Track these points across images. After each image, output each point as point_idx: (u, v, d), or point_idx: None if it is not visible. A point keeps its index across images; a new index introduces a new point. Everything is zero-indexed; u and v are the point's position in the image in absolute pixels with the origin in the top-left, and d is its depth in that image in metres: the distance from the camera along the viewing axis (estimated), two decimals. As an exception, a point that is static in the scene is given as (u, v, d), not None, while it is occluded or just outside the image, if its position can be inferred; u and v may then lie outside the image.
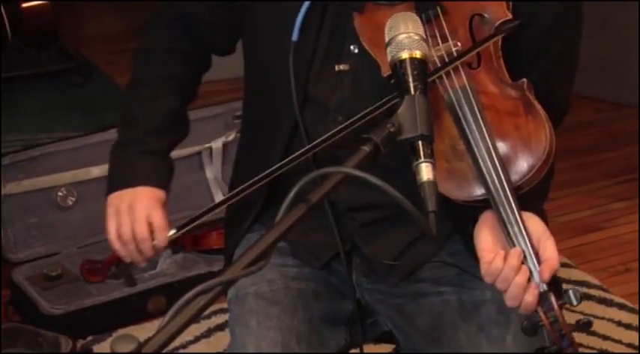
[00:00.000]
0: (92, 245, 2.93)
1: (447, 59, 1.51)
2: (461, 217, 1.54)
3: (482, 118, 1.47)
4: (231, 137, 3.10)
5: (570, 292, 1.41)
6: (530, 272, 1.42)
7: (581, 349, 1.42)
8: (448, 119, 1.50)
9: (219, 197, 3.10)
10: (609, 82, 3.94)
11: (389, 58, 1.40)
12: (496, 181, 1.44)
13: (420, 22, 1.43)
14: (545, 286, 1.41)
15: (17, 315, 2.76)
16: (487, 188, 1.45)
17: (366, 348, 1.77)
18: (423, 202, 1.26)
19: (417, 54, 1.38)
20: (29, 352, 2.60)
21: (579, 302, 1.41)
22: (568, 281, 2.87)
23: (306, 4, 1.60)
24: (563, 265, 2.94)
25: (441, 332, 1.64)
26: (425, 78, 1.38)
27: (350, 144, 1.33)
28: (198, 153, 3.10)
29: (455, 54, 1.51)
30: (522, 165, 1.46)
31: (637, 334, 2.72)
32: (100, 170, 2.93)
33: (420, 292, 1.68)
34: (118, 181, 1.73)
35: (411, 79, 1.36)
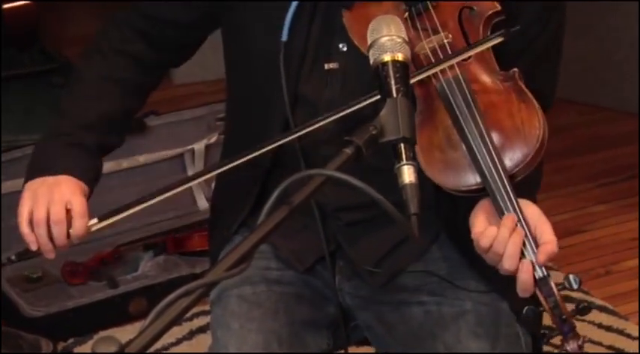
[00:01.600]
0: (73, 247, 2.91)
1: (438, 51, 1.51)
2: (454, 210, 1.54)
3: (475, 106, 1.47)
4: (213, 139, 3.10)
5: (570, 276, 1.41)
6: (526, 254, 1.42)
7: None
8: (441, 110, 1.50)
9: (201, 199, 3.10)
10: (590, 85, 3.96)
11: (371, 61, 1.41)
12: (491, 167, 1.44)
13: (402, 24, 1.44)
14: (544, 271, 1.41)
15: (-3, 317, 2.75)
16: (482, 175, 1.45)
17: (350, 349, 1.77)
18: (405, 205, 1.27)
19: (399, 57, 1.39)
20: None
21: (579, 287, 1.42)
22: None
23: (295, 3, 1.59)
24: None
25: (420, 343, 1.64)
26: (407, 80, 1.38)
27: (339, 141, 1.34)
28: (181, 155, 3.09)
29: (447, 46, 1.52)
30: (517, 153, 1.46)
31: (617, 336, 2.73)
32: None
33: (401, 301, 1.68)
34: (38, 168, 1.64)
35: (393, 82, 1.36)
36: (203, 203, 3.09)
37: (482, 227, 1.45)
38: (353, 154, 1.28)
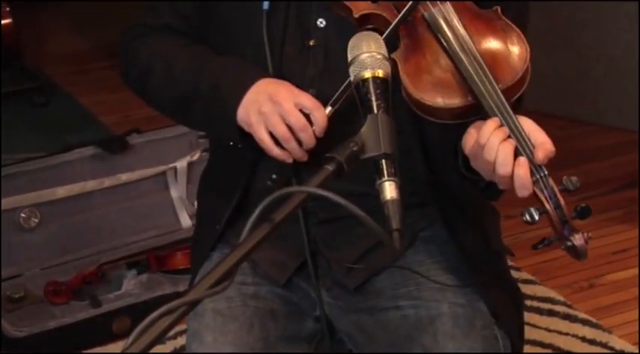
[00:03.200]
0: (56, 266, 2.92)
1: None
2: (447, 142, 1.56)
3: (464, 28, 1.51)
4: (195, 157, 3.11)
5: (569, 177, 1.44)
6: (523, 148, 1.44)
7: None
8: (428, 37, 1.52)
9: (184, 217, 3.10)
10: (569, 99, 3.98)
11: (351, 77, 1.41)
12: (485, 81, 1.46)
13: (382, 41, 1.45)
14: (545, 171, 1.43)
15: (-20, 338, 2.73)
16: (478, 90, 1.47)
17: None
18: (386, 221, 1.27)
19: (380, 73, 1.39)
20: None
21: (578, 186, 1.43)
22: (533, 297, 2.89)
23: None
24: (527, 281, 2.97)
25: (399, 347, 1.65)
26: (388, 97, 1.39)
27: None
28: (163, 173, 3.09)
29: None
30: (507, 72, 1.49)
31: (601, 349, 2.74)
32: (64, 191, 2.92)
33: (378, 306, 1.69)
34: (236, 90, 1.58)
35: (373, 98, 1.37)
36: (186, 221, 3.09)
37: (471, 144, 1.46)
38: (334, 170, 1.28)
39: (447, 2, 1.53)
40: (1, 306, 2.76)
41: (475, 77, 1.47)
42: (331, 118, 1.56)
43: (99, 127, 3.87)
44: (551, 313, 2.85)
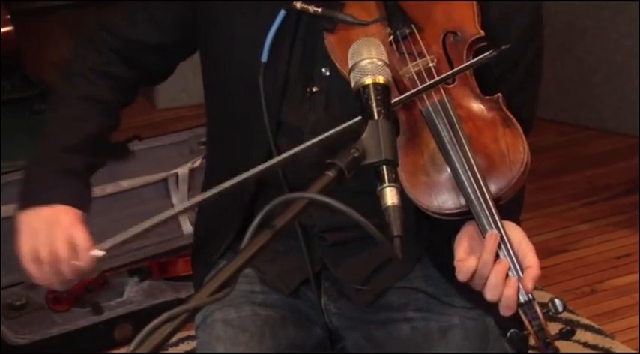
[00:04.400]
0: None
1: (424, 74, 1.52)
2: (435, 233, 1.55)
3: (460, 129, 1.48)
4: (197, 163, 3.10)
5: (555, 300, 1.43)
6: (510, 275, 1.42)
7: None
8: (426, 133, 1.51)
9: (186, 224, 3.10)
10: (571, 105, 3.98)
11: (352, 84, 1.41)
12: (477, 191, 1.45)
13: (382, 47, 1.44)
14: (529, 295, 1.42)
15: (-19, 345, 2.73)
16: (468, 198, 1.46)
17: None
18: (388, 227, 1.27)
19: (380, 79, 1.39)
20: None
21: (564, 309, 1.43)
22: (534, 303, 2.88)
23: (276, 23, 1.58)
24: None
25: None
26: (388, 103, 1.39)
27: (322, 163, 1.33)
28: (164, 180, 3.09)
29: (433, 69, 1.52)
30: (501, 177, 1.47)
31: (603, 354, 2.74)
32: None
33: (388, 318, 1.68)
34: (33, 197, 1.62)
35: (374, 105, 1.37)
36: (188, 228, 3.09)
37: (464, 255, 1.45)
38: (335, 176, 1.28)
39: (445, 98, 1.50)
40: (2, 313, 2.76)
41: (467, 187, 1.45)
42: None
43: (100, 134, 3.86)
44: (552, 319, 2.84)
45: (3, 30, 3.90)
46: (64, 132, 1.67)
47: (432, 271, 1.67)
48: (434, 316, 1.65)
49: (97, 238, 3.13)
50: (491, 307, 1.62)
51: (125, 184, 3.01)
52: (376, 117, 1.35)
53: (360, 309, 1.69)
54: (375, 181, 1.31)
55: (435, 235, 1.57)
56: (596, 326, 2.83)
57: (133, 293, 2.87)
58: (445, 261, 1.52)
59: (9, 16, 3.93)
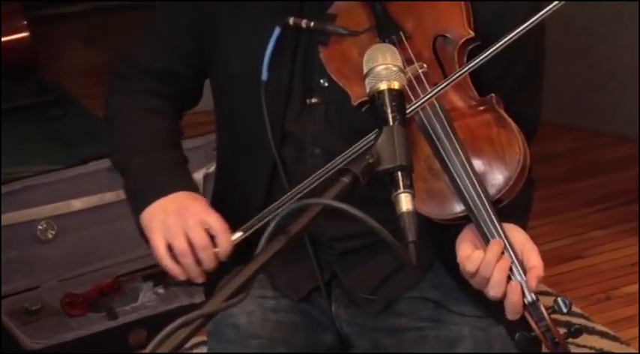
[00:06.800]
0: (72, 279, 2.92)
1: (413, 81, 1.52)
2: (444, 237, 1.55)
3: (454, 134, 1.48)
4: (211, 169, 3.10)
5: (559, 299, 1.42)
6: (513, 274, 1.42)
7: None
8: (421, 140, 1.51)
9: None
10: (586, 110, 3.97)
11: (367, 89, 1.41)
12: (474, 195, 1.45)
13: (397, 53, 1.44)
14: (533, 296, 1.42)
15: (-3, 350, 2.74)
16: (466, 203, 1.46)
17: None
18: (402, 233, 1.27)
19: (395, 85, 1.39)
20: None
21: (569, 310, 1.42)
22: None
23: (272, 41, 1.59)
24: (542, 293, 2.95)
25: None
26: (403, 109, 1.39)
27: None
28: (179, 185, 3.09)
29: (422, 76, 1.52)
30: (498, 178, 1.46)
31: (618, 361, 2.73)
32: (81, 203, 2.92)
33: (398, 327, 1.68)
34: (147, 196, 1.56)
35: (389, 110, 1.37)
36: (202, 233, 3.09)
37: (469, 251, 1.45)
38: (350, 183, 1.28)
39: (436, 105, 1.49)
40: (18, 318, 2.77)
41: (464, 192, 1.45)
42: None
43: (115, 140, 3.87)
44: (567, 326, 2.83)
45: (19, 36, 3.92)
46: (142, 139, 1.65)
47: (442, 280, 1.67)
48: (443, 325, 1.64)
49: (112, 245, 3.15)
50: (503, 316, 1.63)
51: (140, 189, 3.02)
52: (391, 123, 1.36)
53: (370, 317, 1.69)
54: (389, 188, 1.31)
55: (441, 237, 1.57)
56: (611, 333, 2.82)
57: (148, 298, 2.88)
58: (453, 263, 1.51)
59: (25, 22, 3.95)
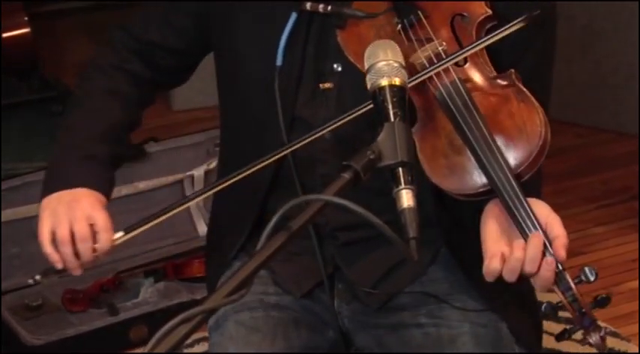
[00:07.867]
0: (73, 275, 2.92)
1: (434, 59, 1.53)
2: (459, 223, 1.55)
3: (475, 108, 1.48)
4: (212, 165, 3.11)
5: (586, 268, 1.42)
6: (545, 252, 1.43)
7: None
8: (442, 116, 1.51)
9: (201, 225, 3.10)
10: (588, 107, 3.97)
11: (368, 86, 1.41)
12: (497, 169, 1.45)
13: (398, 49, 1.44)
14: (560, 266, 1.42)
15: (-2, 346, 2.74)
16: (489, 177, 1.45)
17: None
18: (403, 229, 1.27)
19: (397, 81, 1.39)
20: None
21: (596, 278, 1.42)
22: (550, 306, 2.87)
23: (289, 26, 1.60)
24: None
25: None
26: (404, 105, 1.39)
27: (334, 160, 1.28)
28: (180, 181, 3.10)
29: (442, 53, 1.53)
30: (521, 152, 1.46)
31: (619, 357, 2.73)
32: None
33: (399, 323, 1.67)
34: (54, 183, 1.62)
35: (390, 106, 1.37)
36: (203, 229, 3.09)
37: (492, 237, 1.45)
38: (351, 178, 1.28)
39: (456, 79, 1.50)
40: (18, 314, 2.77)
41: (488, 166, 1.45)
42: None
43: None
44: (569, 322, 2.83)
45: (20, 32, 3.91)
46: (86, 123, 1.68)
47: (444, 274, 1.67)
48: (445, 322, 1.64)
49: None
50: (506, 310, 1.62)
51: (141, 185, 3.02)
52: (392, 119, 1.35)
53: (372, 313, 1.69)
54: (390, 182, 1.31)
55: (453, 225, 1.56)
56: (612, 329, 2.82)
57: (149, 294, 2.88)
58: (464, 252, 1.51)
59: (26, 18, 3.94)
